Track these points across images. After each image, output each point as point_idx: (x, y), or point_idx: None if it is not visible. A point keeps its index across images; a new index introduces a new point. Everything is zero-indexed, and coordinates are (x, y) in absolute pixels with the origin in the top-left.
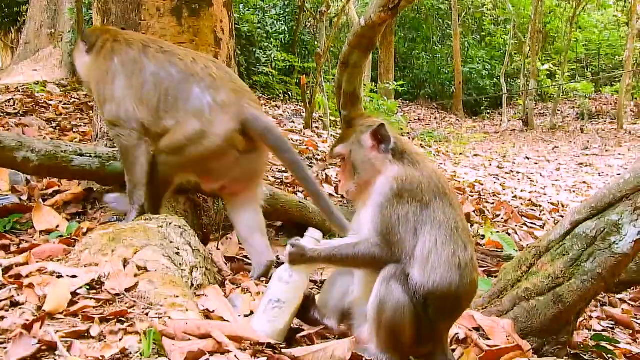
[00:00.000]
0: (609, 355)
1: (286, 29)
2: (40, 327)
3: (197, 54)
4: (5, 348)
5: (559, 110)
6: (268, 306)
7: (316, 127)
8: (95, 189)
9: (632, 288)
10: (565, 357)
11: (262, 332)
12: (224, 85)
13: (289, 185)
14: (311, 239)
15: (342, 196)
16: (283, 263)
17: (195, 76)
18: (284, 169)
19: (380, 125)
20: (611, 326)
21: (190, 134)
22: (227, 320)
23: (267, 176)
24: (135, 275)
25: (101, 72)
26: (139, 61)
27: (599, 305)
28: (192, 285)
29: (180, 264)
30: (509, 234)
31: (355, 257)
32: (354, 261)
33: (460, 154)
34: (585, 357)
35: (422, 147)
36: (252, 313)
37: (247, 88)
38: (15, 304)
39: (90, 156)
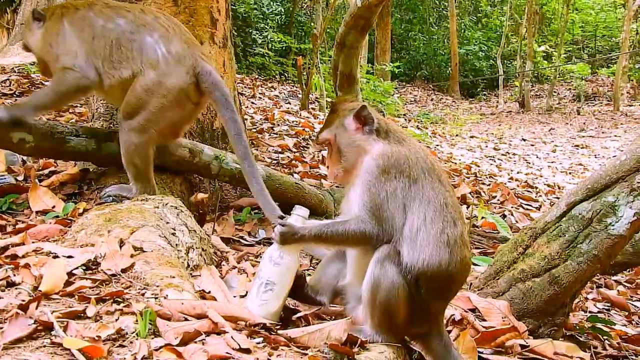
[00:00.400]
0: (605, 337)
1: (282, 10)
2: (37, 308)
3: (146, 7)
4: (1, 328)
5: (555, 92)
6: (260, 288)
7: (312, 108)
8: (91, 170)
9: (628, 270)
10: (561, 339)
11: (256, 315)
12: (176, 36)
13: (284, 166)
14: (299, 217)
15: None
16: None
17: (146, 26)
18: (280, 150)
19: (362, 107)
20: (607, 308)
21: (148, 86)
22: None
23: (263, 157)
24: (132, 256)
25: (52, 35)
26: (87, 17)
27: (594, 286)
28: (189, 265)
29: (176, 245)
30: (505, 216)
31: (345, 234)
32: (344, 238)
33: (457, 135)
34: (581, 339)
35: (419, 128)
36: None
37: (196, 41)
38: (11, 284)
39: (87, 137)
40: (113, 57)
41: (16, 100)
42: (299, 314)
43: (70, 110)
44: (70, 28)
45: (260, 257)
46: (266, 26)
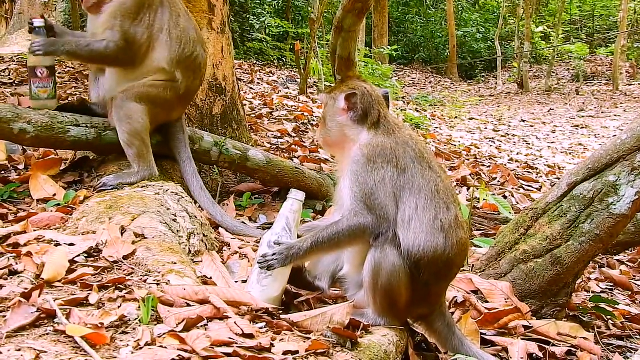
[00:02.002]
0: (608, 317)
1: None
2: (39, 295)
3: None
4: (4, 316)
5: (554, 73)
6: (260, 275)
7: (311, 93)
8: (91, 157)
9: (630, 249)
10: (564, 319)
11: (258, 300)
12: None
13: (284, 150)
14: (295, 202)
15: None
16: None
17: None
18: (279, 135)
19: (352, 93)
20: (610, 288)
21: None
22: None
23: (263, 142)
24: (133, 243)
25: None
26: None
27: (597, 266)
28: (190, 251)
29: (177, 231)
30: (505, 197)
31: (341, 233)
32: (341, 238)
33: (456, 117)
34: (584, 319)
35: (417, 111)
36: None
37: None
38: (13, 273)
39: (87, 126)
40: None
41: (16, 89)
42: (301, 298)
43: (70, 99)
44: None
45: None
46: (263, 11)
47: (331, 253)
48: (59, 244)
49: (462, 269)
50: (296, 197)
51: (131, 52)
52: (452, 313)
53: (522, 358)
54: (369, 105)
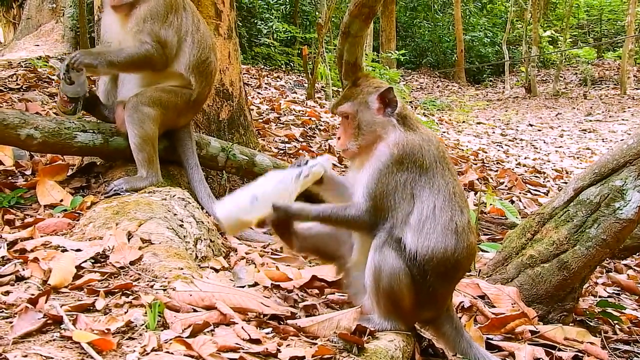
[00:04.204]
0: (615, 321)
1: None
2: (46, 301)
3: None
4: (11, 322)
5: (561, 77)
6: (244, 196)
7: (318, 98)
8: (98, 163)
9: (637, 254)
10: (571, 324)
11: (222, 214)
12: None
13: (291, 155)
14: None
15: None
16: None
17: None
18: (287, 140)
19: (389, 88)
20: (617, 292)
21: None
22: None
23: (270, 147)
24: (140, 248)
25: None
26: None
27: (604, 271)
28: (197, 257)
29: (184, 236)
30: (513, 202)
31: (344, 218)
32: (342, 221)
33: (463, 122)
34: (591, 324)
35: (425, 115)
36: (256, 284)
37: None
38: (20, 279)
39: (94, 132)
40: None
41: (23, 94)
42: (306, 302)
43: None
44: None
45: (267, 250)
46: (271, 16)
47: (325, 226)
48: (66, 250)
49: (469, 274)
50: (324, 163)
51: (165, 55)
52: (459, 318)
53: None
54: (399, 99)
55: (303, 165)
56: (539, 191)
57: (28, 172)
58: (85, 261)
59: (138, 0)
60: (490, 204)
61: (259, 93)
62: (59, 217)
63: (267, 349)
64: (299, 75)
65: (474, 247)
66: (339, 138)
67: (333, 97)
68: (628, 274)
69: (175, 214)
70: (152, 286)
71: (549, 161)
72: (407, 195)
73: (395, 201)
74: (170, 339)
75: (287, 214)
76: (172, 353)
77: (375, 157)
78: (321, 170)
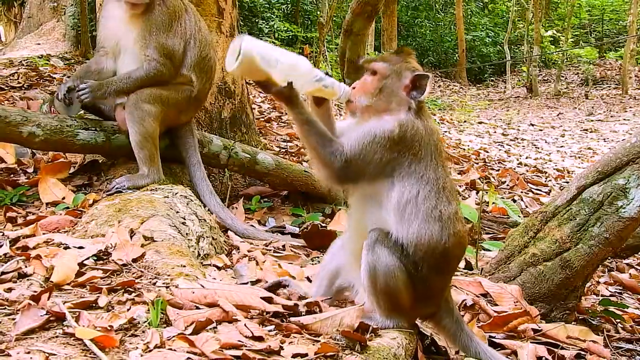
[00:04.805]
0: (617, 320)
1: None
2: (48, 298)
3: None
4: (14, 319)
5: (563, 77)
6: (273, 54)
7: None
8: (100, 160)
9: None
10: (573, 323)
11: (246, 47)
12: None
13: (293, 154)
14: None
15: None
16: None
17: None
18: (289, 138)
19: (426, 75)
20: (619, 291)
21: None
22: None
23: (272, 146)
24: (142, 246)
25: None
26: None
27: (606, 270)
28: (199, 254)
29: (186, 234)
30: (515, 201)
31: (322, 145)
32: (317, 147)
33: (465, 121)
34: (593, 322)
35: None
36: (258, 281)
37: None
38: (23, 276)
39: (96, 130)
40: None
41: (25, 93)
42: (309, 300)
43: None
44: None
45: (269, 248)
46: (272, 15)
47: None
48: (68, 247)
49: (471, 272)
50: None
51: (173, 67)
52: (462, 316)
53: None
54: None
55: (329, 77)
56: (540, 191)
57: (30, 170)
58: (88, 258)
59: (152, 5)
60: (493, 203)
61: (260, 92)
62: (61, 214)
63: (269, 346)
64: None
65: (462, 235)
66: (354, 87)
67: None
68: (630, 273)
69: (177, 212)
70: (154, 283)
71: (551, 161)
72: (386, 174)
73: (371, 172)
74: (173, 336)
75: (290, 98)
76: (174, 350)
77: (378, 124)
78: (337, 93)
